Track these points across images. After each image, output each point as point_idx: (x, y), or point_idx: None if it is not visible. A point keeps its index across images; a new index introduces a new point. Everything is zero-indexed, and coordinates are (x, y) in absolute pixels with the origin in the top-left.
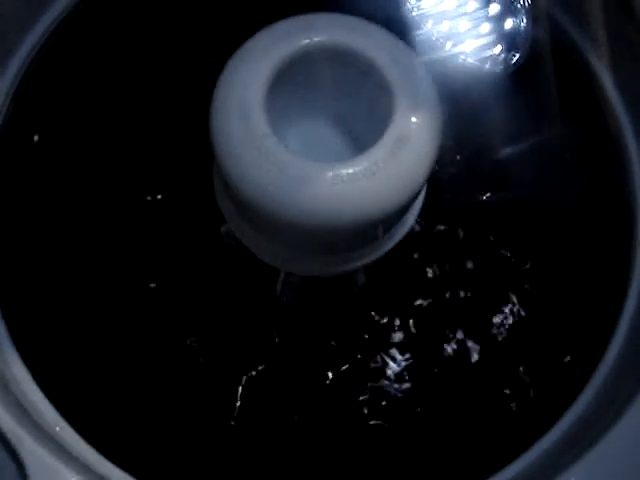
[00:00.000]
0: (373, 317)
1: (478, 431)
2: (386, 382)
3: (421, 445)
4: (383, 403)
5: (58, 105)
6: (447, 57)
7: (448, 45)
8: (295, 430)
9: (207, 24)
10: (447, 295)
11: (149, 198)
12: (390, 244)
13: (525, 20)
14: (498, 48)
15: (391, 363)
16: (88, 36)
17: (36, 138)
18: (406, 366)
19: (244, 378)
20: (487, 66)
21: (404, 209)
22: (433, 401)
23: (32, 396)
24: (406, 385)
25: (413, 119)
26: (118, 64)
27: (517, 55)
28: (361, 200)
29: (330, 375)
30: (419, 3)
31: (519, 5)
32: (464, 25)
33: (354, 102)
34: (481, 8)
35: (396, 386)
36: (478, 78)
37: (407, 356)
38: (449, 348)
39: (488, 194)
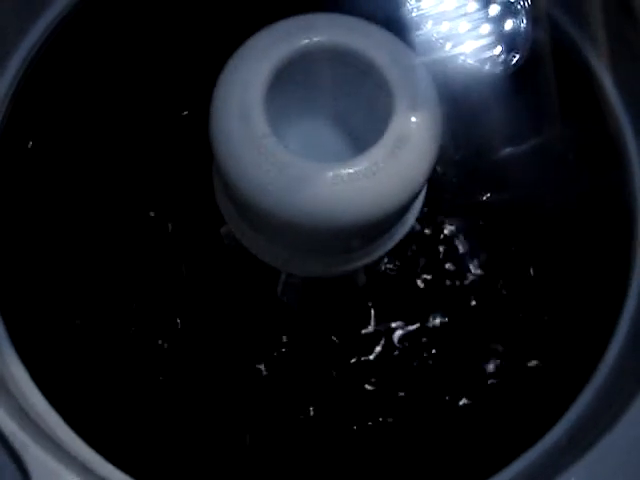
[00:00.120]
0: (374, 317)
1: (478, 431)
2: (386, 382)
3: (420, 445)
4: (383, 403)
5: (57, 106)
6: (447, 58)
7: (448, 46)
8: (296, 430)
9: (207, 24)
10: (447, 294)
11: (148, 199)
12: (390, 244)
13: (525, 21)
14: (498, 49)
15: (391, 363)
16: (87, 36)
17: (35, 139)
18: (406, 366)
19: (246, 379)
20: (487, 67)
21: (404, 209)
22: (432, 401)
23: (32, 398)
24: (406, 385)
25: (413, 119)
26: (118, 64)
27: (517, 56)
28: (361, 200)
29: (331, 374)
30: (419, 4)
31: (519, 6)
32: (464, 26)
33: (354, 102)
34: (481, 9)
35: (396, 386)
36: (478, 79)
37: (407, 356)
38: (449, 347)
39: (488, 194)
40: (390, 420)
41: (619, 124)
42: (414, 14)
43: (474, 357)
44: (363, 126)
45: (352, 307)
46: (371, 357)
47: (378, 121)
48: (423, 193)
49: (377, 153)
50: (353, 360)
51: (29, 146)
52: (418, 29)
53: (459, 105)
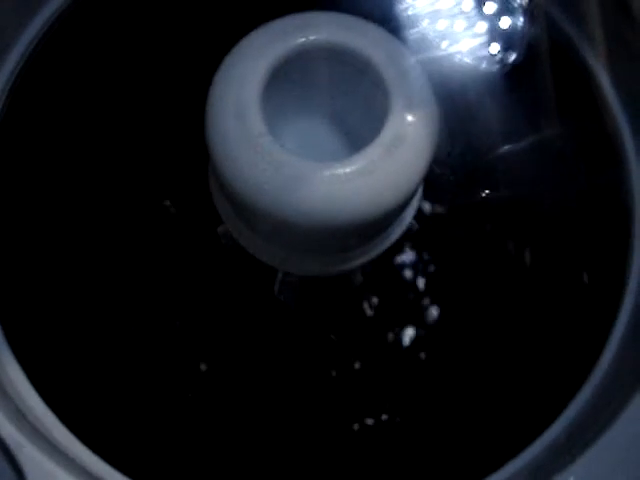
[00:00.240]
0: (372, 316)
1: (474, 431)
2: (385, 381)
3: (418, 444)
4: (382, 402)
5: (55, 101)
6: (443, 56)
7: (444, 44)
8: (295, 430)
9: (203, 22)
10: (445, 294)
11: (144, 198)
12: (387, 243)
13: (522, 19)
14: (495, 47)
15: (390, 362)
16: (86, 32)
17: (33, 135)
18: (404, 364)
19: (244, 379)
20: (483, 65)
21: (401, 207)
22: (430, 400)
23: (29, 400)
24: (403, 383)
25: (409, 118)
26: (115, 61)
27: (514, 54)
28: (358, 199)
29: (330, 374)
30: (415, 2)
31: (515, 4)
32: (460, 24)
33: (350, 100)
34: (477, 7)
35: (394, 385)
36: (474, 77)
37: (405, 355)
38: (447, 347)
39: (485, 193)
40: (387, 419)
41: (616, 123)
42: (410, 12)
43: (472, 355)
44: (360, 125)
45: (350, 306)
46: (370, 356)
47: (375, 120)
48: (420, 191)
49: (373, 152)
50: (352, 359)
51: (27, 142)
52: (414, 27)
53: (456, 103)
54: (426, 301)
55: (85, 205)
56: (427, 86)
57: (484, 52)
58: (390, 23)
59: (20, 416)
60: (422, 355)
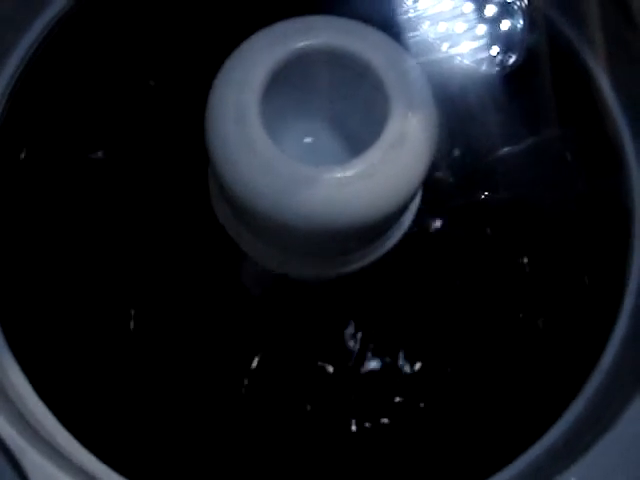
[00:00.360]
0: (372, 318)
1: (475, 433)
2: (384, 383)
3: (416, 448)
4: (383, 404)
5: (55, 105)
6: (443, 58)
7: (444, 46)
8: (295, 431)
9: (203, 26)
10: (444, 296)
11: (144, 202)
12: (387, 246)
13: (521, 21)
14: (494, 50)
15: (389, 363)
16: (87, 35)
17: (33, 139)
18: (403, 366)
19: (245, 380)
20: (483, 67)
21: (401, 210)
22: (428, 403)
23: (30, 403)
24: (402, 386)
25: (409, 121)
26: (116, 64)
27: (514, 57)
28: (358, 202)
29: (329, 373)
30: (415, 5)
31: (515, 6)
32: (460, 26)
33: (350, 104)
34: (477, 10)
35: (394, 387)
36: (474, 79)
37: (405, 356)
38: (446, 348)
39: (484, 195)
40: (387, 421)
41: (616, 126)
42: (411, 15)
43: (471, 358)
44: (359, 128)
45: (350, 307)
46: (370, 357)
47: (374, 123)
48: (419, 194)
49: (373, 155)
50: (351, 358)
51: (27, 145)
52: (415, 30)
53: (456, 106)
54: (426, 303)
55: (85, 208)
56: (427, 89)
57: (484, 54)
58: (390, 26)
59: (21, 419)
60: (422, 357)
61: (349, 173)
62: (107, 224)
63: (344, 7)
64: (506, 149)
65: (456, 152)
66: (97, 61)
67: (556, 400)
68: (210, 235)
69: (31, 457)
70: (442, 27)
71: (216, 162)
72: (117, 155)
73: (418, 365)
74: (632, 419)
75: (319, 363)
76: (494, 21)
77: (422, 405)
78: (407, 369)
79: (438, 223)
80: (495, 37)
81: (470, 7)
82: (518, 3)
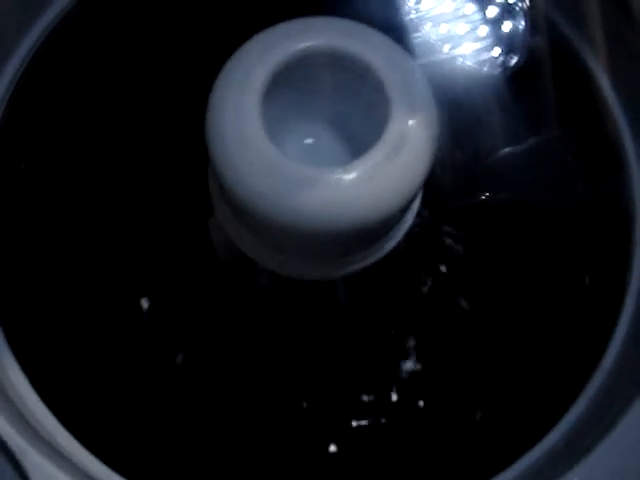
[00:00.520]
0: (372, 319)
1: (475, 434)
2: (383, 383)
3: (415, 450)
4: (382, 405)
5: (55, 110)
6: (445, 60)
7: (446, 48)
8: (295, 431)
9: (204, 28)
10: (445, 296)
11: (145, 203)
12: (388, 247)
13: (523, 23)
14: (496, 51)
15: (388, 363)
16: (88, 37)
17: (33, 144)
18: (402, 367)
19: (245, 381)
20: (485, 69)
21: (402, 211)
22: (428, 405)
23: (31, 403)
24: (403, 386)
25: (410, 122)
26: (117, 66)
27: (515, 58)
28: (359, 203)
29: (329, 373)
30: (417, 6)
31: (517, 8)
32: (462, 28)
33: (351, 106)
34: (479, 11)
35: (393, 387)
36: (476, 81)
37: (404, 357)
38: (446, 350)
39: (485, 196)
40: (386, 422)
41: (617, 126)
42: (412, 16)
43: (471, 359)
44: (361, 130)
45: (351, 309)
46: (370, 357)
47: (375, 125)
48: (420, 195)
49: (375, 156)
50: (351, 358)
51: (28, 149)
52: (416, 31)
53: (457, 107)
54: (427, 304)
55: (86, 210)
56: (428, 90)
57: (486, 56)
58: (392, 27)
59: (22, 420)
60: (421, 358)
61: (350, 174)
62: (107, 225)
63: (346, 8)
64: (507, 150)
65: (457, 153)
66: (98, 62)
67: (557, 402)
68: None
69: (32, 457)
70: (444, 28)
71: (216, 163)
72: (118, 156)
73: (418, 365)
74: (633, 421)
75: (319, 363)
76: (496, 22)
77: (422, 405)
78: (407, 369)
79: (439, 224)
80: (497, 38)
81: (472, 8)
82: (520, 4)
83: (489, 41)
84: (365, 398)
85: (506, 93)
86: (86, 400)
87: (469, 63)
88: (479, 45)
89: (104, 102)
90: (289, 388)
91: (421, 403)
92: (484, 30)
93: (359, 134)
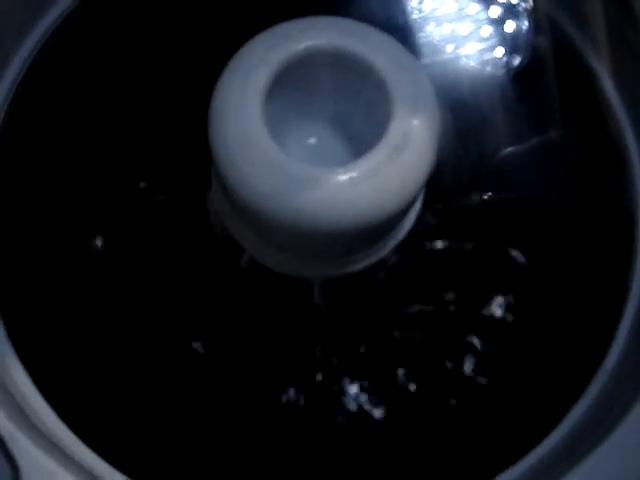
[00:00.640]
0: (372, 317)
1: (475, 436)
2: (383, 384)
3: (414, 452)
4: (382, 406)
5: (57, 110)
6: (449, 60)
7: (449, 48)
8: (295, 432)
9: (206, 28)
10: (446, 296)
11: (148, 204)
12: (390, 246)
13: (526, 23)
14: (500, 51)
15: (388, 364)
16: (88, 40)
17: (35, 145)
18: (402, 367)
19: (245, 381)
20: (488, 69)
21: (404, 211)
22: (428, 407)
23: (30, 398)
24: (403, 386)
25: (412, 121)
26: (119, 67)
27: (518, 58)
28: (362, 203)
29: (330, 374)
30: (420, 6)
31: (520, 8)
32: (465, 28)
33: (353, 105)
34: (482, 11)
35: (393, 388)
36: (479, 81)
37: (403, 359)
38: (447, 350)
39: (488, 196)
40: (385, 421)
41: (620, 126)
42: (416, 16)
43: (471, 360)
44: (363, 129)
45: (350, 307)
46: (370, 360)
47: (377, 124)
48: (422, 194)
49: (377, 156)
50: (352, 359)
51: (29, 150)
52: (420, 31)
53: (460, 107)
54: (428, 302)
55: (87, 211)
56: (430, 89)
57: (489, 56)
58: (395, 27)
59: (23, 417)
60: (421, 360)
61: (353, 174)
62: (108, 225)
63: (348, 8)
64: (510, 149)
65: (460, 152)
66: (99, 63)
67: (559, 403)
68: (211, 238)
69: (29, 452)
70: (447, 28)
71: (219, 163)
72: (119, 156)
73: (417, 365)
74: (634, 423)
75: (319, 363)
76: (499, 22)
77: (421, 405)
78: (406, 370)
79: (441, 223)
80: (500, 38)
81: (475, 9)
82: (523, 4)
83: (492, 41)
84: (364, 397)
85: (509, 93)
86: (87, 397)
87: (472, 63)
88: (482, 45)
89: (106, 102)
90: (289, 387)
91: (421, 403)
92: (487, 30)
93: (361, 133)
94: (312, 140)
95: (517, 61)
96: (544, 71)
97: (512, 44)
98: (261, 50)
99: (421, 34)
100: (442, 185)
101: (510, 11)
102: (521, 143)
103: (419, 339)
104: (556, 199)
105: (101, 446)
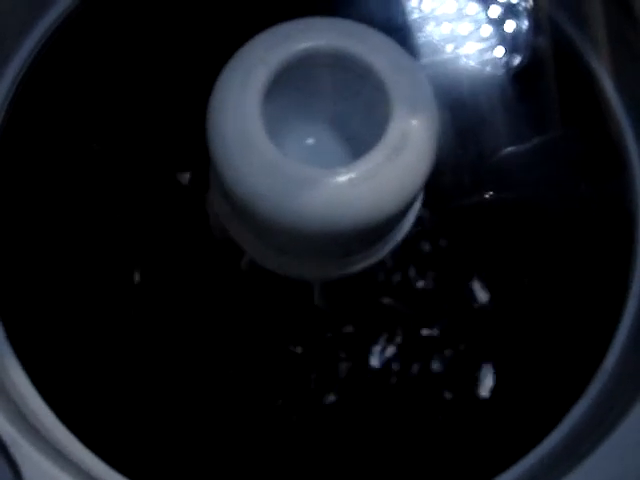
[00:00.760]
0: (371, 317)
1: (475, 437)
2: (382, 384)
3: (415, 452)
4: (380, 406)
5: (57, 111)
6: (448, 60)
7: (449, 48)
8: (295, 432)
9: (205, 29)
10: (447, 296)
11: (147, 203)
12: (389, 247)
13: (526, 23)
14: (499, 51)
15: (387, 365)
16: (88, 39)
17: (34, 145)
18: (402, 370)
19: (244, 381)
20: (488, 69)
21: (403, 211)
22: (428, 408)
23: (30, 401)
24: (402, 387)
25: (411, 122)
26: (118, 68)
27: (518, 58)
28: (361, 204)
29: (330, 374)
30: (420, 6)
31: (520, 7)
32: (465, 28)
33: (352, 105)
34: (482, 11)
35: (392, 388)
36: (479, 81)
37: (403, 360)
38: (446, 351)
39: (488, 196)
40: (383, 424)
41: (620, 127)
42: (415, 16)
43: (471, 361)
44: (361, 130)
45: (350, 307)
46: (369, 358)
47: (376, 125)
48: (421, 195)
49: (376, 157)
50: (352, 358)
51: (28, 151)
52: (419, 31)
53: (460, 107)
54: (427, 304)
55: (88, 211)
56: (429, 90)
57: (489, 55)
58: (395, 27)
59: (22, 419)
60: (421, 360)
61: (352, 175)
62: (108, 225)
63: (348, 8)
64: (510, 149)
65: (460, 153)
66: (99, 63)
67: (558, 403)
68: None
69: (30, 456)
70: (447, 28)
71: (217, 163)
72: (119, 156)
73: (416, 366)
74: (634, 423)
75: (318, 363)
76: (499, 22)
77: (421, 405)
78: (405, 370)
79: (440, 224)
80: (500, 38)
81: (475, 8)
82: (523, 4)
83: (492, 41)
84: (363, 398)
85: (509, 93)
86: (86, 398)
87: (472, 63)
88: (482, 45)
89: (106, 102)
90: (289, 387)
91: (421, 403)
92: (487, 30)
93: (359, 134)
94: (311, 141)
95: (517, 61)
96: (544, 71)
97: (512, 44)
98: (261, 50)
99: (421, 34)
100: (442, 185)
101: (510, 11)
102: (521, 143)
103: (417, 334)
104: (556, 199)
105: (101, 447)
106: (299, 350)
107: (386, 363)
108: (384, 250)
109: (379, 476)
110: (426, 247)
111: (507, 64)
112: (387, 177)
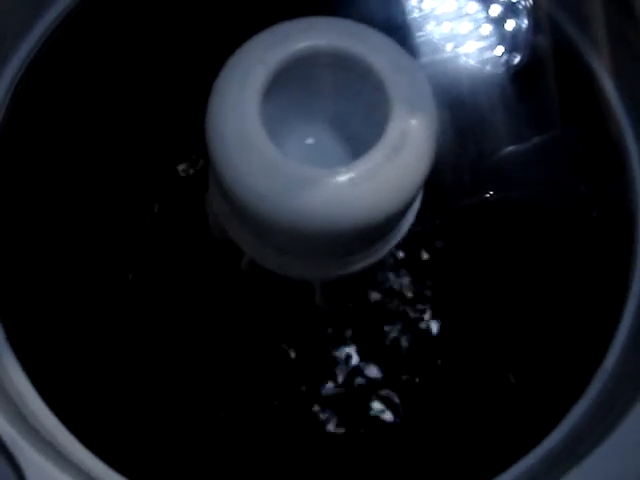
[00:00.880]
0: (371, 317)
1: (474, 437)
2: (381, 385)
3: (416, 452)
4: (380, 407)
5: (56, 110)
6: (448, 59)
7: (449, 47)
8: (296, 432)
9: (204, 27)
10: (447, 295)
11: (146, 202)
12: (389, 246)
13: (526, 21)
14: (499, 49)
15: (387, 366)
16: (88, 39)
17: (34, 143)
18: (401, 371)
19: (244, 381)
20: (488, 68)
21: (403, 211)
22: (428, 408)
23: (30, 402)
24: (402, 387)
25: (410, 122)
26: (117, 68)
27: (518, 57)
28: (361, 203)
29: (331, 374)
30: (420, 5)
31: (520, 6)
32: (465, 27)
33: (352, 105)
34: (482, 10)
35: (392, 389)
36: (479, 79)
37: (403, 360)
38: (446, 351)
39: (488, 196)
40: (383, 424)
41: (620, 127)
42: (415, 15)
43: (471, 361)
44: (361, 130)
45: (351, 308)
46: (368, 359)
47: (376, 125)
48: (421, 194)
49: (375, 156)
50: (351, 359)
51: (28, 150)
52: (420, 30)
53: (460, 106)
54: (429, 302)
55: (88, 211)
56: (428, 89)
57: (489, 54)
58: (395, 26)
59: (21, 418)
60: (421, 360)
61: (352, 174)
62: (108, 226)
63: (348, 8)
64: (510, 149)
65: (460, 152)
66: (98, 63)
67: (559, 403)
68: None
69: (31, 457)
70: (447, 27)
71: (216, 163)
72: (119, 157)
73: (415, 366)
74: (634, 423)
75: (318, 362)
76: (499, 21)
77: (421, 405)
78: (404, 371)
79: (440, 223)
80: (500, 37)
81: (475, 7)
82: (523, 3)
83: (492, 40)
84: (362, 398)
85: (509, 92)
86: (86, 399)
87: (472, 62)
88: (482, 44)
89: (105, 102)
90: (289, 387)
91: (421, 403)
92: (487, 29)
93: (359, 134)
94: (311, 140)
95: (517, 60)
96: (544, 70)
97: (512, 43)
98: (260, 50)
99: (421, 33)
100: (442, 185)
101: (510, 10)
102: (521, 143)
103: (417, 334)
104: (556, 198)
105: (101, 448)
106: (299, 350)
107: (386, 363)
108: (384, 250)
109: (379, 476)
110: (426, 247)
111: (507, 63)
112: (387, 177)
